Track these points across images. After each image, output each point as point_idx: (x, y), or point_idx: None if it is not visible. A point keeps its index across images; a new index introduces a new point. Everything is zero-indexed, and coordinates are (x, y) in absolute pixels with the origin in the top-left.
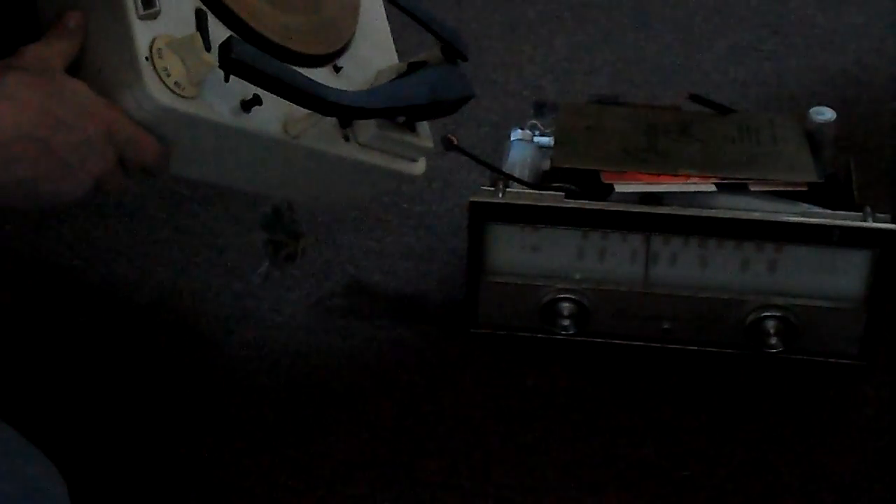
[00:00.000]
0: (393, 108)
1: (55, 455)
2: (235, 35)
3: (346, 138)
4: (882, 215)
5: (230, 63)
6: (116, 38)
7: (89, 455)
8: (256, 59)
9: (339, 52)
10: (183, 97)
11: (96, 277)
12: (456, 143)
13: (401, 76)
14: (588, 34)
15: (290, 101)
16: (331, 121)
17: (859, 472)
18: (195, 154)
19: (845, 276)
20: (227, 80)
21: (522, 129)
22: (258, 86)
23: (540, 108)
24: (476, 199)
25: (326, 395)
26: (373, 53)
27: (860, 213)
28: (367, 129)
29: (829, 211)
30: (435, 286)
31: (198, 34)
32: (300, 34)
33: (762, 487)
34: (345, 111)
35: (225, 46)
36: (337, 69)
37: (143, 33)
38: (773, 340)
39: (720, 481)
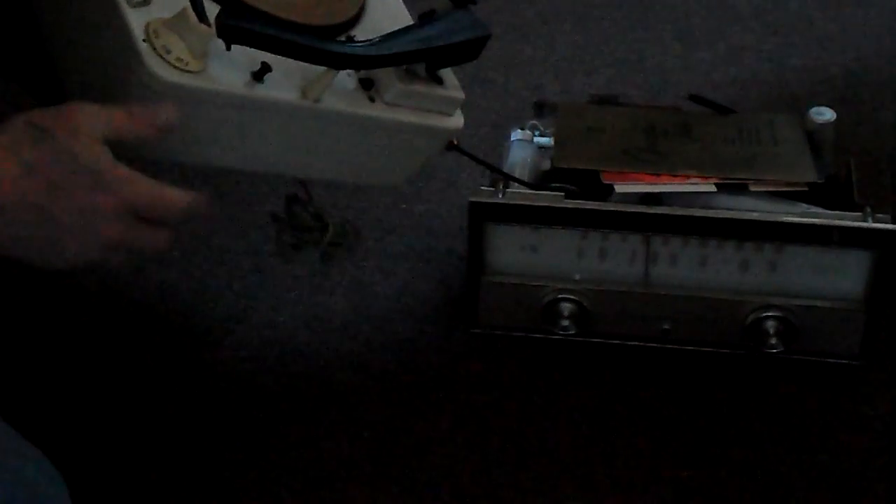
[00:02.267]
0: (404, 54)
1: (55, 455)
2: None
3: (372, 99)
4: (882, 215)
5: (226, 29)
6: (114, 32)
7: (89, 455)
8: (252, 21)
9: (350, 24)
10: (188, 72)
11: (96, 278)
12: (456, 143)
13: None
14: (588, 34)
15: (295, 59)
16: (353, 83)
17: (859, 472)
18: (215, 135)
19: (845, 276)
20: (228, 48)
21: (522, 129)
22: (259, 48)
23: (540, 108)
24: (476, 199)
25: (326, 396)
26: (387, 22)
27: (860, 214)
28: (390, 86)
29: (829, 211)
30: (435, 286)
31: (188, 8)
32: (302, 7)
33: (762, 487)
34: (353, 60)
35: (219, 15)
36: (350, 40)
37: (136, 19)
38: (773, 340)
39: (720, 481)
